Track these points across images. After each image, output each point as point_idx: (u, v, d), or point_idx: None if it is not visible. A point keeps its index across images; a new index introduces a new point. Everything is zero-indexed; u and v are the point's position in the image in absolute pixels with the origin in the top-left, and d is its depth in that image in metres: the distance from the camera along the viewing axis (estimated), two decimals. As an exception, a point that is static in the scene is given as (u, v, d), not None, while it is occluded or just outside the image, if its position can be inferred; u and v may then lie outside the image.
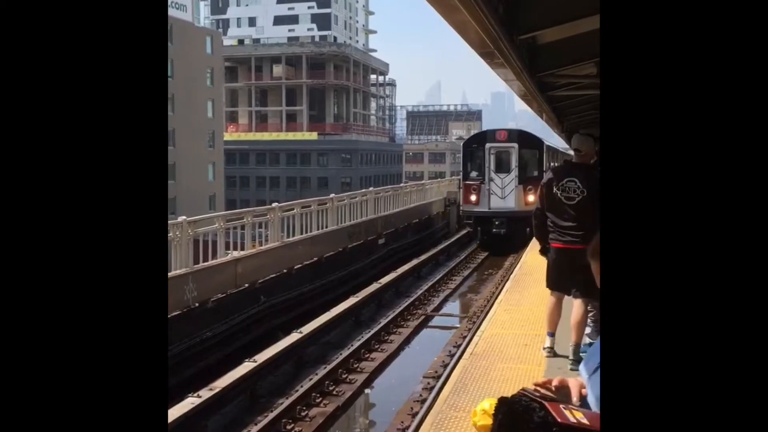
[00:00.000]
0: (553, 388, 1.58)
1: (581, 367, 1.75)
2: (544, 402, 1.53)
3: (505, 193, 20.63)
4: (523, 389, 1.59)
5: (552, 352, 6.08)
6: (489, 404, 1.64)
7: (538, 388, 1.62)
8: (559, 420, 1.47)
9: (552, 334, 6.15)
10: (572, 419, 1.49)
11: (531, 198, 19.17)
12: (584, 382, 1.64)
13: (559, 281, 5.95)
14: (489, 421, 1.61)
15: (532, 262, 10.88)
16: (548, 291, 6.18)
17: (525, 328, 7.23)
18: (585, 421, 1.47)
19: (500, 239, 20.34)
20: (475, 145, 21.83)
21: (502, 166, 20.80)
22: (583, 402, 1.62)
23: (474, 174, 21.41)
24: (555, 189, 5.91)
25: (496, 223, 20.38)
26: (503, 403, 1.57)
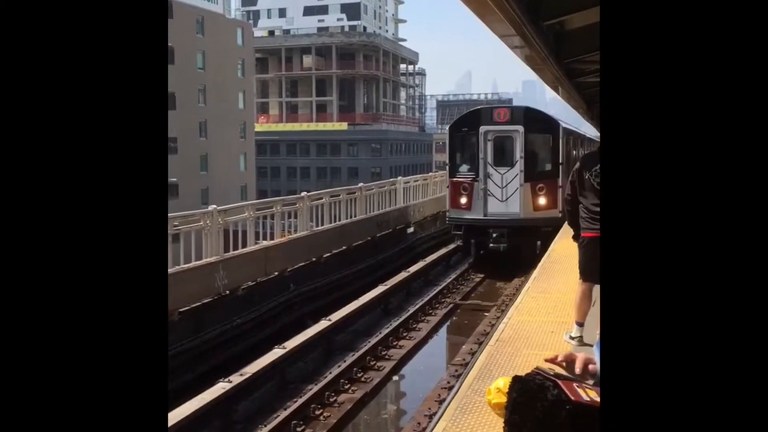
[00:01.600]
0: (558, 362, 1.59)
1: (595, 348, 1.76)
2: (557, 380, 1.55)
3: (506, 194, 15.42)
4: (537, 368, 1.61)
5: (580, 342, 6.04)
6: (503, 383, 1.66)
7: (552, 367, 1.63)
8: (572, 398, 1.49)
9: (581, 324, 6.09)
10: (585, 398, 1.50)
11: (542, 201, 15.27)
12: (595, 359, 1.65)
13: (591, 270, 5.85)
14: (503, 399, 1.63)
15: (561, 250, 10.81)
16: (576, 279, 6.13)
17: (552, 316, 7.21)
18: (598, 399, 1.49)
19: (500, 257, 15.29)
20: (465, 129, 16.11)
21: (502, 158, 15.52)
22: (597, 380, 1.63)
23: (464, 168, 15.97)
24: (587, 175, 5.81)
25: (494, 235, 15.15)
26: (517, 382, 1.59)
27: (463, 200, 15.70)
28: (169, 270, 8.72)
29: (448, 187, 16.51)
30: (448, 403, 6.45)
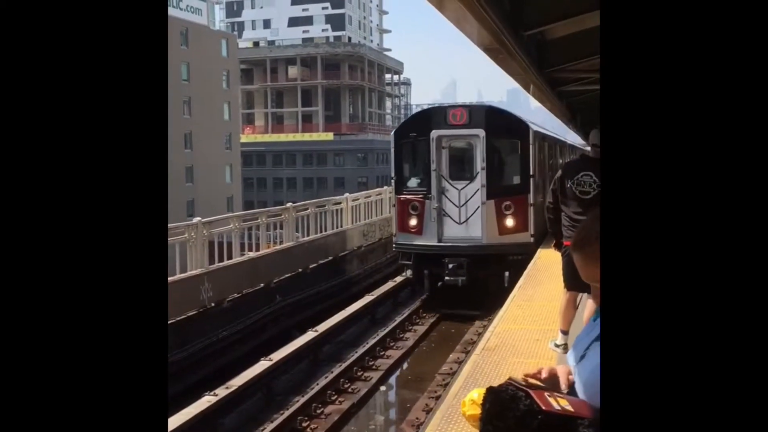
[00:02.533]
0: (543, 378, 1.61)
1: (569, 354, 1.78)
2: (529, 390, 1.56)
3: (465, 215, 12.57)
4: (510, 379, 1.62)
5: (565, 350, 6.06)
6: (478, 394, 1.67)
7: (527, 378, 1.64)
8: (543, 407, 1.50)
9: (565, 333, 6.10)
10: (557, 406, 1.52)
11: (510, 222, 12.47)
12: (571, 368, 1.66)
13: (576, 280, 5.83)
14: (478, 410, 1.64)
15: (546, 258, 10.85)
16: (561, 286, 6.15)
17: (537, 324, 7.23)
18: (570, 408, 1.50)
19: (459, 292, 12.44)
20: (414, 135, 13.00)
21: (460, 169, 12.80)
22: (572, 389, 1.64)
23: (414, 183, 13.11)
24: (568, 183, 5.78)
25: (450, 266, 12.24)
26: (491, 393, 1.60)
27: (413, 222, 12.74)
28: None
29: (394, 206, 13.43)
30: (435, 413, 6.45)
